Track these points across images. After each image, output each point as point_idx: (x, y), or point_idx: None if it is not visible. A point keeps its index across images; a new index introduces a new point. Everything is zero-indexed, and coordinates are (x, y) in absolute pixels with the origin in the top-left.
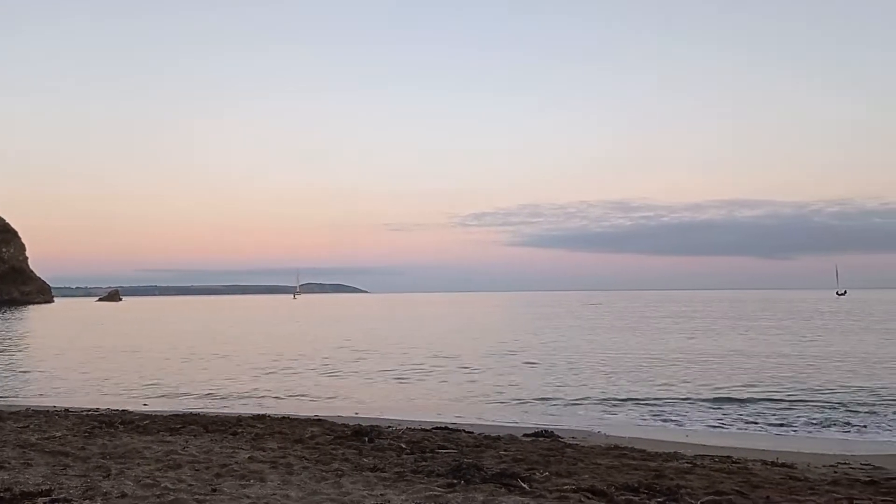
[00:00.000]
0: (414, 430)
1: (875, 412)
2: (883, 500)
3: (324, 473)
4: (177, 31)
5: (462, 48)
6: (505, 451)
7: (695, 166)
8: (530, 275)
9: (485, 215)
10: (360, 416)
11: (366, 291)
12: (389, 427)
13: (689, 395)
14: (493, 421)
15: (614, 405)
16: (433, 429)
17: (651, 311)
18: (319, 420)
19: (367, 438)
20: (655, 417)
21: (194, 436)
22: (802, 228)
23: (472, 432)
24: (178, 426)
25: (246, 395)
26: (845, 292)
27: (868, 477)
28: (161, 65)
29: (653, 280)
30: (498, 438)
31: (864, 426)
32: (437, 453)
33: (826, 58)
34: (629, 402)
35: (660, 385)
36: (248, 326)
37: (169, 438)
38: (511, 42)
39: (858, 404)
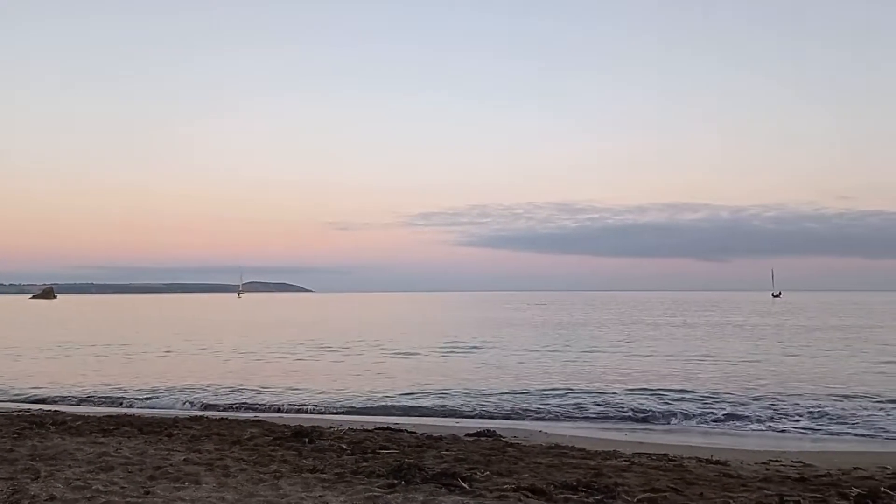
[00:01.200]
0: (356, 430)
1: (803, 412)
2: (812, 497)
3: (261, 475)
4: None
5: (405, 44)
6: (447, 451)
7: (638, 170)
8: (478, 275)
9: (433, 215)
10: (301, 416)
11: (311, 291)
12: (331, 427)
13: (624, 393)
14: (435, 421)
15: (556, 405)
16: (376, 429)
17: (598, 311)
18: (259, 421)
19: (307, 439)
20: (596, 416)
21: (128, 437)
22: (740, 232)
23: (415, 432)
24: (112, 427)
25: (186, 389)
26: (780, 294)
27: (798, 474)
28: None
29: (597, 281)
30: (440, 438)
31: (798, 424)
32: (379, 454)
33: (768, 64)
34: (571, 400)
35: (599, 384)
36: (191, 324)
37: (102, 440)
38: (461, 40)
39: (788, 404)
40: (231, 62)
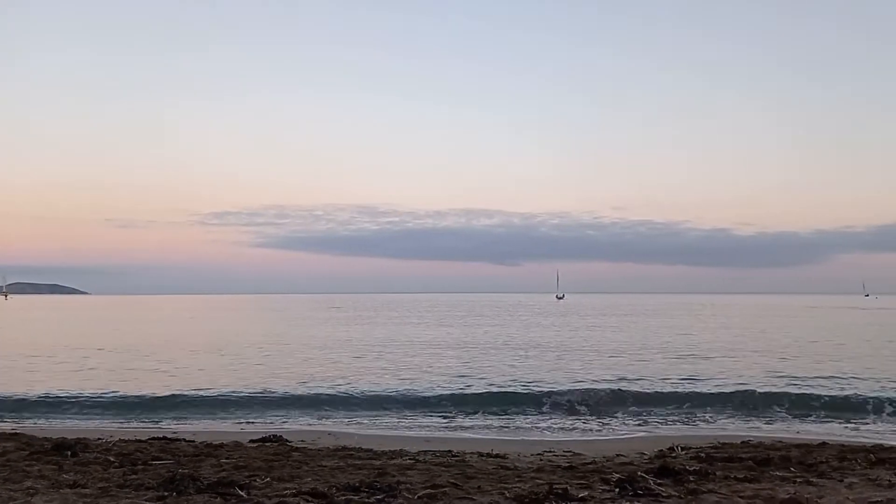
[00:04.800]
0: (127, 441)
1: (578, 401)
2: (578, 483)
3: (12, 493)
4: None
5: (188, 37)
6: (227, 458)
7: (438, 175)
8: (275, 277)
9: (227, 214)
10: (66, 427)
11: (86, 293)
12: (99, 439)
13: (413, 393)
14: (217, 428)
15: (345, 406)
16: (149, 439)
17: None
18: (16, 434)
19: (69, 452)
20: (383, 416)
21: None
22: (529, 237)
23: (194, 441)
24: None
25: None
26: (563, 296)
27: (568, 463)
28: None
29: (396, 283)
30: (221, 446)
31: (579, 415)
32: (151, 465)
33: (559, 78)
34: (361, 402)
35: (394, 382)
36: None
37: None
38: (261, 35)
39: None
40: None
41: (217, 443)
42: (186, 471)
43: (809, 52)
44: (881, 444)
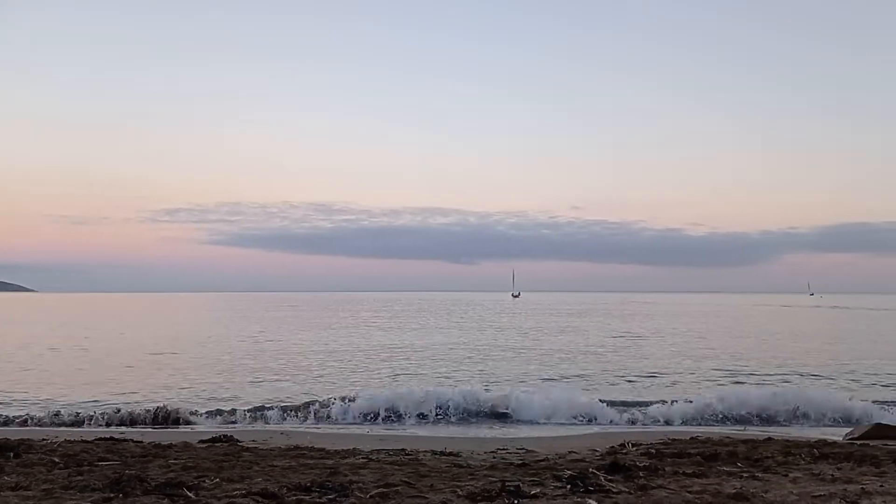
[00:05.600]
0: (73, 442)
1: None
2: (530, 480)
3: None
4: None
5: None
6: (175, 459)
7: (394, 174)
8: (228, 275)
9: (179, 211)
10: (9, 429)
11: (33, 290)
12: (44, 440)
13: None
14: (168, 428)
15: (300, 406)
16: (96, 440)
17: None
18: None
19: (11, 454)
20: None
21: None
22: (486, 236)
23: (142, 441)
24: None
25: None
26: (519, 294)
27: (521, 460)
28: None
29: (352, 282)
30: (170, 447)
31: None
32: (97, 466)
33: (517, 85)
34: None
35: (343, 384)
36: None
37: None
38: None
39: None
40: None
41: (166, 443)
42: (133, 472)
43: (762, 59)
44: (824, 440)
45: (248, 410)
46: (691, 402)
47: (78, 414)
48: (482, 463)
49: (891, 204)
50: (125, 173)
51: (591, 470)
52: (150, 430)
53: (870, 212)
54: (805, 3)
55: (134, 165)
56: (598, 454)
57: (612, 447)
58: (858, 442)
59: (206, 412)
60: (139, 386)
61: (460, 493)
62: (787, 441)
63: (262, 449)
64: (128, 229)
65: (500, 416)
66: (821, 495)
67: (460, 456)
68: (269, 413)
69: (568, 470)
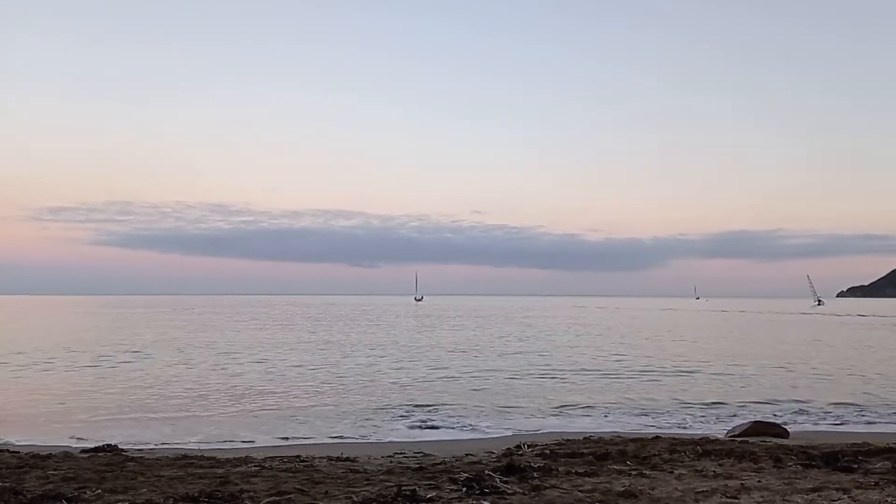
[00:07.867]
0: None
1: (435, 405)
2: (427, 484)
3: None
4: None
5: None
6: (54, 470)
7: (296, 174)
8: (117, 277)
9: (63, 210)
10: None
11: None
12: None
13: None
14: (46, 440)
15: (189, 415)
16: None
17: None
18: None
19: None
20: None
21: None
22: (388, 239)
23: (19, 451)
24: None
25: None
26: (422, 298)
27: (418, 464)
28: None
29: (249, 285)
30: (49, 457)
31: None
32: None
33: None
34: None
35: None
36: None
37: None
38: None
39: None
40: None
41: (45, 453)
42: (8, 484)
43: (673, 69)
44: (707, 437)
45: None
46: None
47: None
48: (379, 468)
49: (769, 213)
50: (4, 170)
51: (486, 472)
52: (28, 440)
53: (751, 220)
54: (703, 14)
55: (14, 161)
56: (494, 456)
57: (509, 449)
58: (739, 439)
59: None
60: None
61: (355, 499)
62: (674, 439)
63: (147, 459)
64: (6, 228)
65: None
66: (703, 491)
67: (357, 461)
68: None
69: (464, 472)
